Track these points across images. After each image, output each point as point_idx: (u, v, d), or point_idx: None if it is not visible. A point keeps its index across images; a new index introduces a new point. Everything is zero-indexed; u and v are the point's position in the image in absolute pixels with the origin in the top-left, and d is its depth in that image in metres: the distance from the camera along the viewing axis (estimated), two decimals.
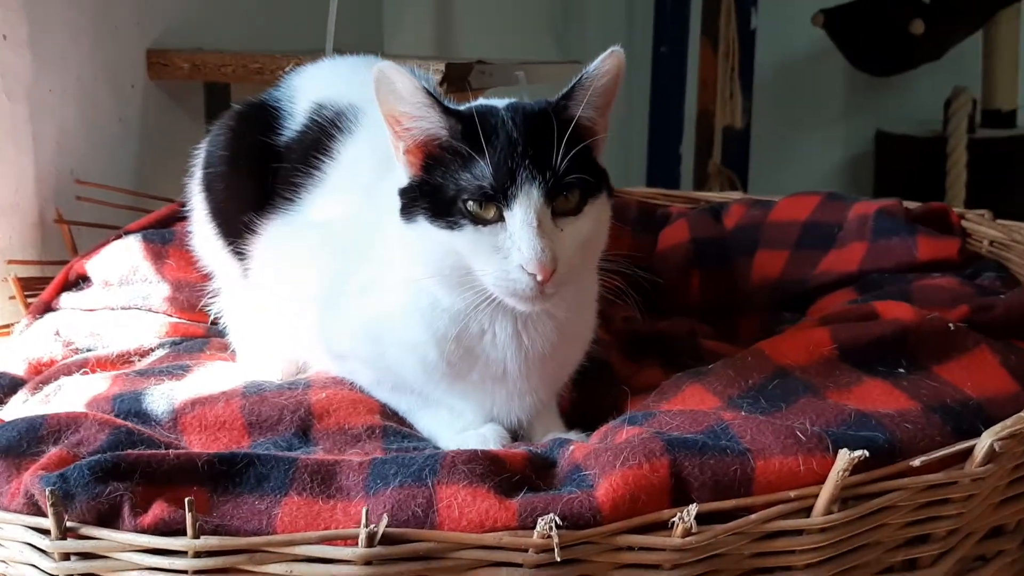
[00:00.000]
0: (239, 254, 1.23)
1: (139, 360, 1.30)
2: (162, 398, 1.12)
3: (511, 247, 0.95)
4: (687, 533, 0.84)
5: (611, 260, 1.08)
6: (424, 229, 0.99)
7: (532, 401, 1.11)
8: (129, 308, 1.38)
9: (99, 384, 1.17)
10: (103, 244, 1.45)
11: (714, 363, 1.12)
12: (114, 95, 1.74)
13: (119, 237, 1.46)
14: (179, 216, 1.48)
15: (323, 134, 1.17)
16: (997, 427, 0.92)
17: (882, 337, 1.08)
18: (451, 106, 1.00)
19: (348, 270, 1.10)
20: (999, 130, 3.13)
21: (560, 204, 0.97)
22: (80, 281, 1.44)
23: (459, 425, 1.10)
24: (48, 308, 1.41)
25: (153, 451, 0.92)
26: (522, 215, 0.94)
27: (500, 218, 0.96)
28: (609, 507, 0.85)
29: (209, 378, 1.18)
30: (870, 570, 0.90)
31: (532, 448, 1.01)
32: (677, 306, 1.65)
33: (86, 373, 1.22)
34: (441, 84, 1.70)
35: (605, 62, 0.98)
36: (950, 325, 1.10)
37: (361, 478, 0.91)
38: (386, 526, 0.83)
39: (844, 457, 0.86)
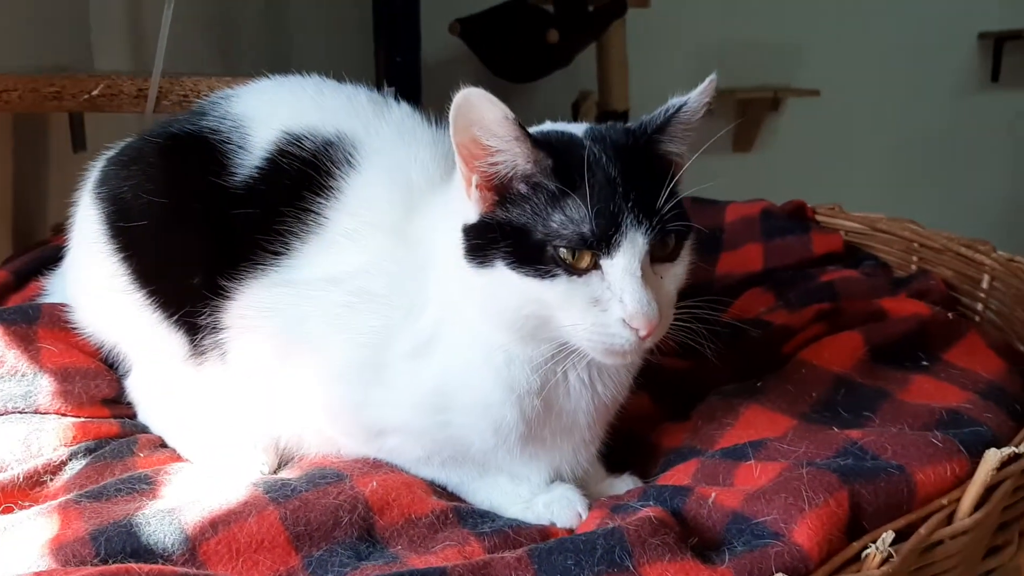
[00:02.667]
0: (192, 327, 0.98)
1: (51, 479, 0.99)
2: (166, 525, 0.86)
3: (611, 299, 0.84)
4: (883, 562, 0.81)
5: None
6: (502, 275, 0.86)
7: (595, 449, 1.01)
8: (7, 413, 1.05)
9: (47, 525, 0.87)
10: None
11: (761, 381, 1.09)
12: None
13: None
14: (13, 285, 1.16)
15: (311, 169, 0.97)
16: None
17: (905, 333, 1.12)
18: (542, 137, 0.87)
19: (390, 329, 0.92)
20: None
21: (660, 250, 0.87)
22: None
23: (525, 492, 0.97)
24: None
25: None
26: (625, 264, 0.84)
27: (595, 266, 0.85)
28: (816, 553, 0.79)
29: (199, 488, 0.93)
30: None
31: (649, 502, 0.91)
32: None
33: (7, 511, 0.91)
34: None
35: (704, 92, 0.90)
36: (949, 315, 1.16)
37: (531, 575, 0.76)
38: None
39: (994, 456, 0.87)
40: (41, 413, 1.07)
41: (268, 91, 1.06)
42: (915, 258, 1.50)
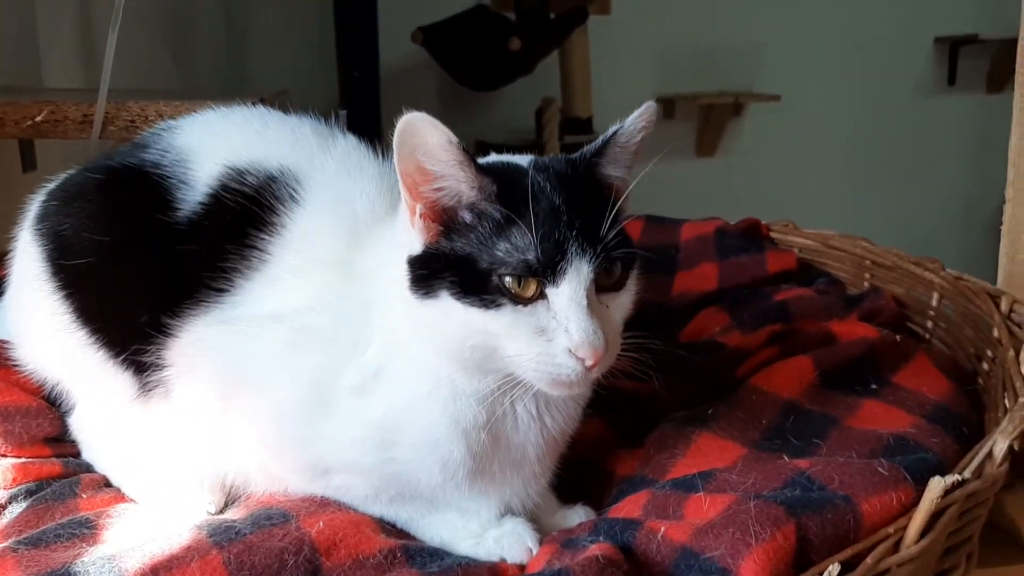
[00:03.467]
0: (139, 365, 0.96)
1: None
2: (105, 573, 0.84)
3: (556, 328, 0.84)
4: None
5: None
6: (447, 306, 0.85)
7: (545, 482, 1.00)
8: None
9: None
10: None
11: (712, 407, 1.09)
12: None
13: None
14: None
15: (255, 205, 0.95)
16: (1007, 428, 0.99)
17: (855, 357, 1.13)
18: (487, 165, 0.87)
19: (336, 366, 0.91)
20: (580, 136, 3.38)
21: (604, 278, 0.87)
22: None
23: (475, 527, 0.96)
24: None
25: None
26: (571, 293, 0.83)
27: (541, 295, 0.84)
28: None
29: (141, 530, 0.91)
30: None
31: (599, 537, 0.91)
32: None
33: None
34: None
35: (640, 117, 0.90)
36: (897, 337, 1.17)
37: None
38: None
39: (938, 485, 0.88)
40: None
41: (212, 123, 1.05)
42: (867, 275, 1.51)
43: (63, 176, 1.07)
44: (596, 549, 0.84)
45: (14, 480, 1.02)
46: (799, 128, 3.90)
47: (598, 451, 1.14)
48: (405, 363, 0.90)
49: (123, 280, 0.96)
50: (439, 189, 0.84)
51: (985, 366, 1.20)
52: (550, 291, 0.84)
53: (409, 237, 0.87)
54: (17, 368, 1.08)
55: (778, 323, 1.32)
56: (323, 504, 0.95)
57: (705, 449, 1.03)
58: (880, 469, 0.91)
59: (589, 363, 0.83)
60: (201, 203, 0.97)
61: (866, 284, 1.50)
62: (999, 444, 0.98)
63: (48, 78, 2.39)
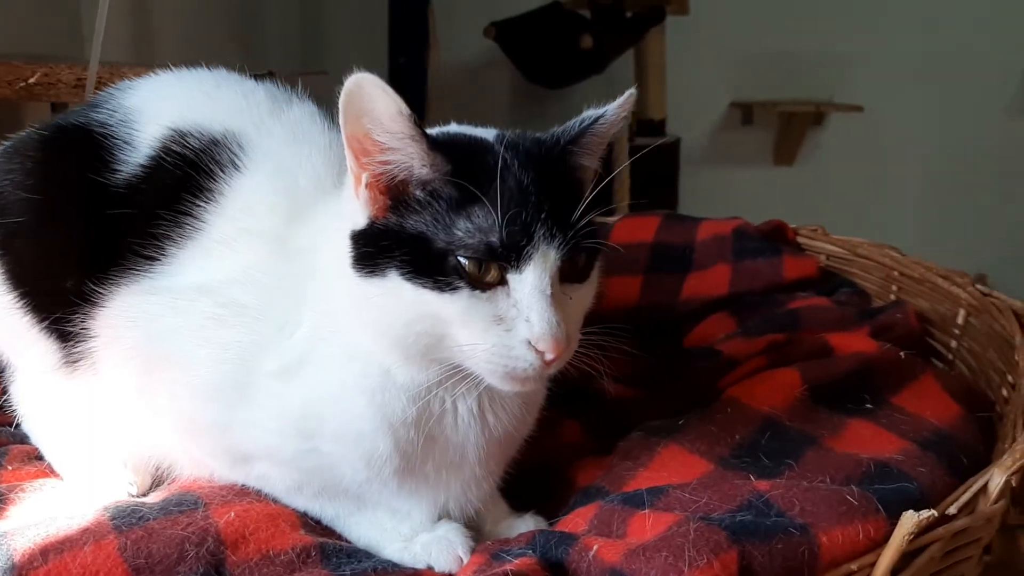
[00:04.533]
0: (63, 334, 0.92)
1: None
2: None
3: (516, 317, 0.76)
4: None
5: None
6: (395, 287, 0.78)
7: (488, 487, 0.92)
8: None
9: None
10: None
11: (683, 418, 1.00)
12: None
13: None
14: None
15: (194, 170, 0.90)
16: (1007, 461, 0.88)
17: (848, 373, 1.02)
18: (439, 138, 0.80)
19: (260, 345, 0.84)
20: (652, 138, 3.31)
21: (569, 268, 0.79)
22: None
23: (406, 530, 0.89)
24: None
25: None
26: (535, 280, 0.76)
27: (502, 281, 0.77)
28: None
29: (48, 509, 0.86)
30: None
31: (526, 552, 0.82)
32: None
33: None
34: None
35: (623, 106, 0.83)
36: (901, 354, 1.06)
37: None
38: None
39: (911, 519, 0.78)
40: None
41: (164, 84, 0.99)
42: (895, 287, 1.40)
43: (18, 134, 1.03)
44: (512, 565, 0.76)
45: None
46: (879, 141, 3.74)
47: (567, 457, 1.06)
48: (335, 348, 0.83)
49: (51, 242, 0.92)
50: (387, 162, 0.77)
51: (1004, 392, 1.08)
52: (512, 277, 0.77)
53: (353, 209, 0.80)
54: None
55: (783, 332, 1.22)
56: (242, 494, 0.89)
57: (669, 462, 0.94)
58: (849, 497, 0.81)
59: (549, 357, 0.76)
60: (141, 165, 0.92)
61: (892, 296, 1.39)
62: (995, 478, 0.87)
63: (90, 52, 2.40)
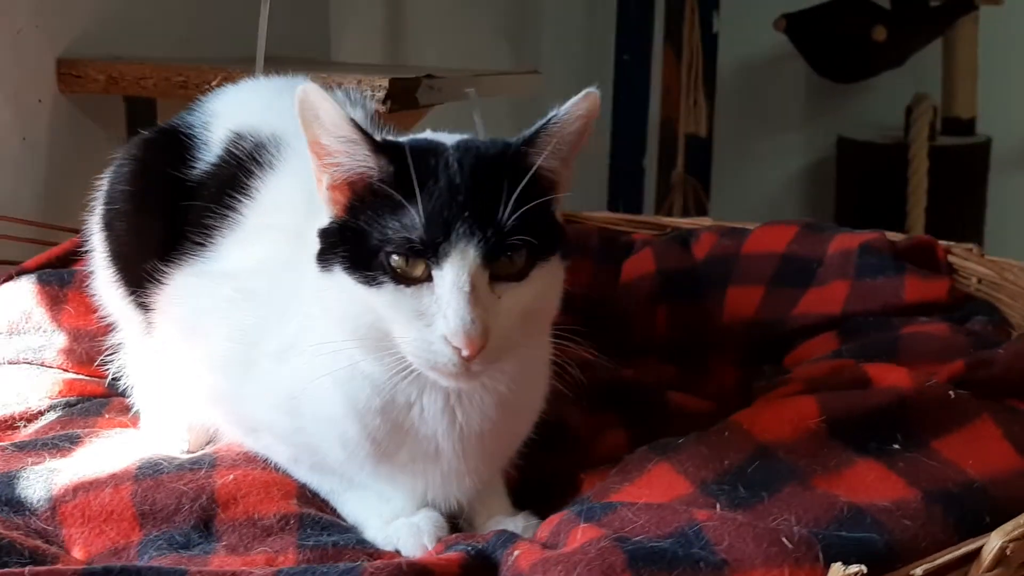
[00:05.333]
0: (143, 306, 1.07)
1: (25, 426, 1.13)
2: (40, 482, 0.95)
3: (436, 313, 0.80)
4: None
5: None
6: (341, 280, 0.84)
7: (472, 482, 0.96)
8: (18, 362, 1.21)
9: None
10: None
11: (686, 436, 0.97)
12: (15, 111, 1.55)
13: (11, 278, 1.29)
14: (83, 251, 1.31)
15: (240, 169, 1.01)
16: (1008, 525, 0.78)
17: (877, 408, 0.95)
18: (388, 141, 0.85)
19: (263, 329, 0.94)
20: (959, 137, 3.08)
21: (502, 267, 0.82)
22: None
23: (388, 512, 0.95)
24: None
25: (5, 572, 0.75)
26: (453, 277, 0.80)
27: (429, 278, 0.81)
28: None
29: (100, 454, 1.02)
30: None
31: (471, 546, 0.86)
32: (641, 343, 1.52)
33: None
34: (384, 102, 1.55)
35: (578, 105, 0.83)
36: (950, 393, 0.96)
37: None
38: None
39: (837, 572, 0.72)
40: (46, 366, 1.21)
41: (241, 90, 1.12)
42: None
43: None
44: (422, 557, 0.80)
45: (60, 392, 1.18)
46: None
47: (594, 461, 1.07)
48: (315, 337, 0.90)
49: (139, 228, 1.07)
50: (337, 164, 0.84)
51: None
52: (435, 273, 0.81)
53: (323, 210, 0.88)
54: (93, 297, 1.23)
55: (872, 360, 1.13)
56: (253, 461, 0.99)
57: (654, 480, 0.93)
58: (786, 539, 0.76)
59: (465, 353, 0.79)
60: (211, 163, 1.05)
61: None
62: (991, 543, 0.78)
63: (339, 53, 2.64)
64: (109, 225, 1.10)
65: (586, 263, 1.61)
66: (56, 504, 0.93)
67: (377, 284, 0.82)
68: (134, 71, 1.62)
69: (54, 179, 1.62)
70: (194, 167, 1.06)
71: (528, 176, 0.82)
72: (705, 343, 1.48)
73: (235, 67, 1.58)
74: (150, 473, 0.96)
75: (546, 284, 0.85)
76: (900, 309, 1.29)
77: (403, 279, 0.81)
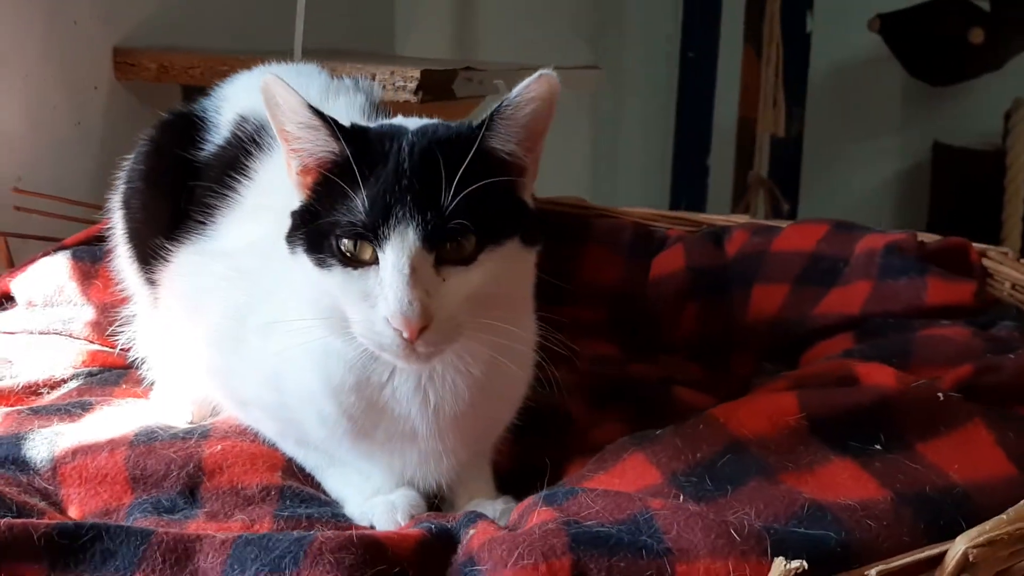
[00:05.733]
0: (151, 281, 1.11)
1: (48, 392, 1.19)
2: (44, 444, 1.00)
3: (379, 295, 0.82)
4: None
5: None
6: (302, 261, 0.87)
7: (451, 464, 0.97)
8: (48, 333, 1.27)
9: None
10: (31, 261, 1.35)
11: (664, 428, 0.97)
12: (72, 96, 1.63)
13: (48, 253, 1.35)
14: None
15: (242, 151, 1.05)
16: (974, 531, 0.76)
17: (859, 407, 0.93)
18: (352, 126, 0.87)
19: (252, 306, 0.97)
20: None
21: (450, 251, 0.83)
22: (4, 301, 1.33)
23: (368, 489, 0.97)
24: None
25: None
26: (393, 259, 0.81)
27: (376, 261, 0.82)
28: None
29: (104, 421, 1.06)
30: None
31: (435, 525, 0.87)
32: (668, 340, 1.51)
33: None
34: (416, 92, 1.57)
35: (530, 88, 0.84)
36: (939, 395, 0.93)
37: (220, 560, 0.78)
38: None
39: (779, 567, 0.71)
40: (74, 338, 1.27)
41: (252, 76, 1.16)
42: None
43: None
44: (377, 531, 0.82)
45: (83, 363, 1.24)
46: None
47: (591, 452, 1.07)
48: (294, 314, 0.93)
49: (152, 206, 1.11)
50: (300, 149, 0.87)
51: None
52: (380, 256, 0.82)
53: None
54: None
55: (881, 362, 1.11)
56: (243, 433, 1.02)
57: (628, 470, 0.93)
58: (734, 532, 0.76)
59: (405, 335, 0.81)
60: (218, 145, 1.09)
61: None
62: (955, 548, 0.76)
63: (403, 48, 2.68)
64: (126, 203, 1.15)
65: (617, 258, 1.61)
66: (57, 465, 0.98)
67: (328, 266, 0.84)
68: (183, 60, 1.68)
69: (107, 162, 1.69)
70: (203, 149, 1.10)
71: (469, 158, 0.83)
72: (730, 342, 1.47)
73: (276, 58, 1.62)
74: (145, 440, 1.00)
75: (500, 268, 0.85)
76: (921, 311, 1.26)
77: (352, 262, 0.83)
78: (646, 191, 3.15)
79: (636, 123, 3.27)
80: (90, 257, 1.33)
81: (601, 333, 1.53)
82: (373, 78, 1.58)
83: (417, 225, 0.81)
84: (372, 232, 0.81)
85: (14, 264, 1.44)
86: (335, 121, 0.85)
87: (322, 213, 0.85)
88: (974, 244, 1.39)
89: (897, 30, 3.05)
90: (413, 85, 1.55)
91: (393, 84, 1.55)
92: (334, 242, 0.83)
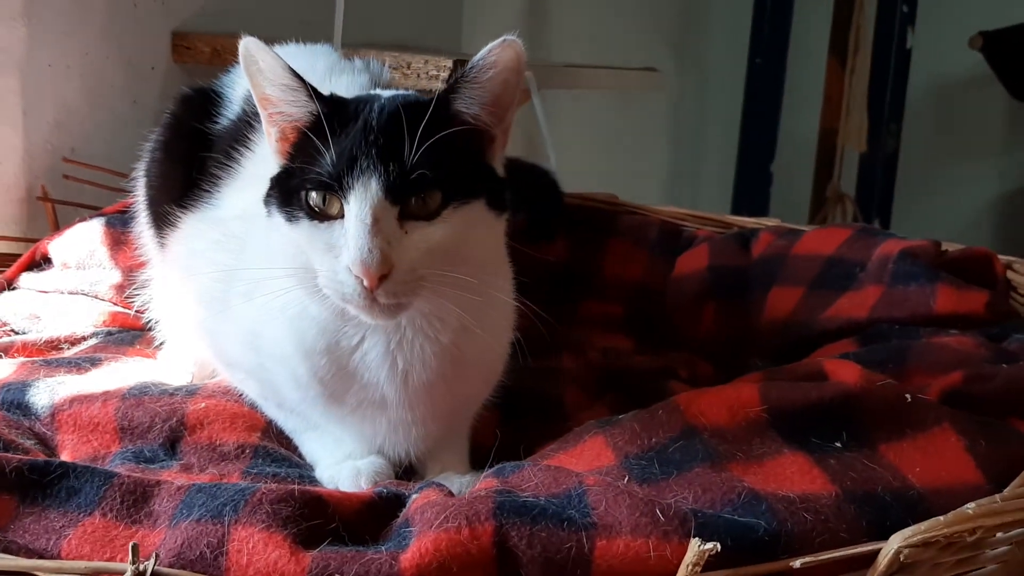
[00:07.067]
0: (162, 246, 1.17)
1: (68, 348, 1.26)
2: (46, 391, 1.06)
3: (343, 246, 0.84)
4: None
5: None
6: (276, 220, 0.90)
7: (420, 434, 0.99)
8: (76, 293, 1.35)
9: (2, 370, 1.13)
10: (70, 226, 1.43)
11: (628, 413, 0.98)
12: (129, 75, 1.72)
13: (85, 219, 1.43)
14: None
15: (246, 124, 1.09)
16: (908, 531, 0.75)
17: (821, 402, 0.91)
18: (331, 95, 0.91)
19: (238, 269, 1.01)
20: None
21: (415, 207, 0.85)
22: (43, 262, 1.41)
23: (341, 454, 1.00)
24: (11, 286, 1.39)
25: None
26: (356, 209, 0.83)
27: (342, 215, 0.85)
28: (412, 574, 0.73)
29: (106, 375, 1.12)
30: None
31: (388, 490, 0.90)
32: (685, 338, 1.51)
33: (14, 356, 1.19)
34: (448, 81, 1.60)
35: (492, 52, 0.86)
36: (907, 396, 0.91)
37: (173, 505, 0.82)
38: (164, 565, 0.74)
39: (694, 548, 0.71)
40: (99, 299, 1.34)
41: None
42: None
43: None
44: (322, 489, 0.85)
45: (104, 323, 1.31)
46: None
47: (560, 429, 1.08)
48: (268, 276, 0.96)
49: (166, 176, 1.17)
50: (280, 112, 0.90)
51: None
52: (345, 207, 0.85)
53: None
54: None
55: (874, 367, 1.09)
56: (228, 393, 1.07)
57: (586, 451, 0.94)
58: (659, 512, 0.76)
59: (366, 283, 0.83)
60: (230, 119, 1.14)
61: None
62: (888, 546, 0.75)
63: (470, 46, 2.72)
64: (147, 171, 1.21)
65: (640, 253, 1.62)
66: (55, 412, 1.04)
67: (296, 220, 0.87)
68: (235, 44, 1.73)
69: None
70: (217, 122, 1.15)
71: (431, 114, 0.85)
72: (745, 343, 1.46)
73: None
74: (136, 394, 1.05)
75: (463, 227, 0.87)
76: (929, 319, 1.23)
77: (319, 215, 0.86)
78: (710, 195, 3.13)
79: (714, 127, 3.24)
80: (121, 223, 1.40)
81: (619, 327, 1.54)
82: (408, 67, 1.62)
83: (380, 176, 0.83)
84: (337, 182, 0.84)
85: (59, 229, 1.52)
86: (312, 86, 0.88)
87: (295, 173, 0.89)
88: (1000, 256, 1.35)
89: (1000, 48, 2.93)
90: (445, 74, 1.58)
91: (427, 73, 1.59)
92: (303, 196, 0.86)
